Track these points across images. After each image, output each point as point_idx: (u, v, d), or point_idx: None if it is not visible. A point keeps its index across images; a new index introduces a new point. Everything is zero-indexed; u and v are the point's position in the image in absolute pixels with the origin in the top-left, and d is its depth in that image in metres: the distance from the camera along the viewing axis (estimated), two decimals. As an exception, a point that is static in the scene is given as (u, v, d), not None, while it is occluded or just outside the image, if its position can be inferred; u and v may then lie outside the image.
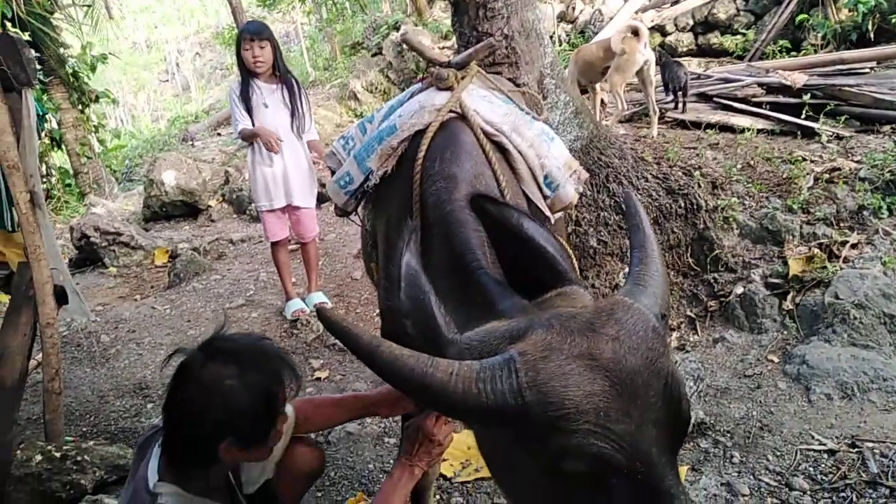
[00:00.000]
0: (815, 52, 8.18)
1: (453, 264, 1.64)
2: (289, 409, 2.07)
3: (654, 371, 1.15)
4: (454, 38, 4.05)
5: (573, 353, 1.14)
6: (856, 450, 2.82)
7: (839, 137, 5.03)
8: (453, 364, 1.16)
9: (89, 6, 9.96)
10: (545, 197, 2.21)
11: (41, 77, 9.01)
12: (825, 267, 3.79)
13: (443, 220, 1.74)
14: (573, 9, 12.55)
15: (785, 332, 3.75)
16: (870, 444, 2.82)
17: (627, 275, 1.40)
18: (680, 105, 6.38)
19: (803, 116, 5.47)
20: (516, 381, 1.12)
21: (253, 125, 4.45)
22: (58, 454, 2.91)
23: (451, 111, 2.07)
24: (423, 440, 1.81)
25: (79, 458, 2.92)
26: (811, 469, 2.79)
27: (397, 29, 13.49)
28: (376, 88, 12.99)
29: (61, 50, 9.71)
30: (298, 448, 2.18)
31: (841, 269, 3.76)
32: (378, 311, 2.79)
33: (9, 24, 7.64)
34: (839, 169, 4.35)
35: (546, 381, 1.11)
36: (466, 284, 1.57)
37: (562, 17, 12.40)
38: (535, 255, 1.53)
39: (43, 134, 9.35)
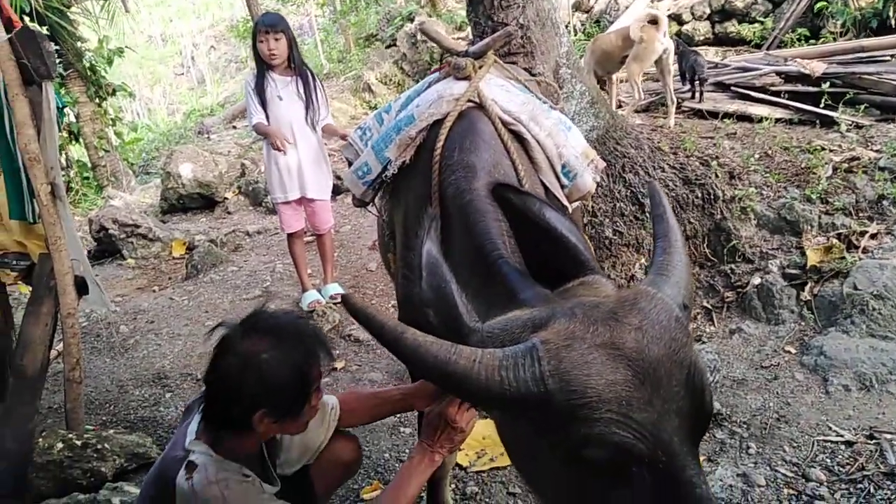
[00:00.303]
0: (835, 39, 8.07)
1: (473, 253, 1.64)
2: (333, 400, 2.19)
3: (676, 361, 1.15)
4: (468, 29, 4.04)
5: (596, 342, 1.14)
6: (874, 441, 2.80)
7: (858, 126, 4.97)
8: (476, 352, 1.17)
9: (106, 0, 10.03)
10: (563, 186, 2.20)
11: (60, 70, 9.09)
12: (844, 257, 3.76)
13: (462, 209, 1.74)
14: (588, -2, 12.46)
15: (802, 323, 3.72)
16: (888, 436, 2.80)
17: (650, 264, 1.39)
18: (697, 94, 6.32)
19: (822, 105, 5.41)
20: (539, 369, 1.13)
21: (267, 118, 4.47)
22: (79, 442, 2.95)
23: (469, 101, 2.07)
24: (444, 427, 1.80)
25: (99, 447, 2.97)
26: (828, 460, 2.77)
27: (411, 20, 13.47)
28: (390, 80, 12.98)
29: (78, 44, 9.80)
30: (338, 439, 2.21)
31: (860, 259, 3.72)
32: (394, 301, 2.80)
33: (27, 18, 7.73)
34: (858, 158, 4.30)
35: (569, 369, 1.12)
36: (486, 273, 1.58)
37: (577, 7, 12.32)
38: (557, 245, 1.53)
39: (62, 127, 9.45)
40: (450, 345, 1.17)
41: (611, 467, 1.12)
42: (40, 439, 2.93)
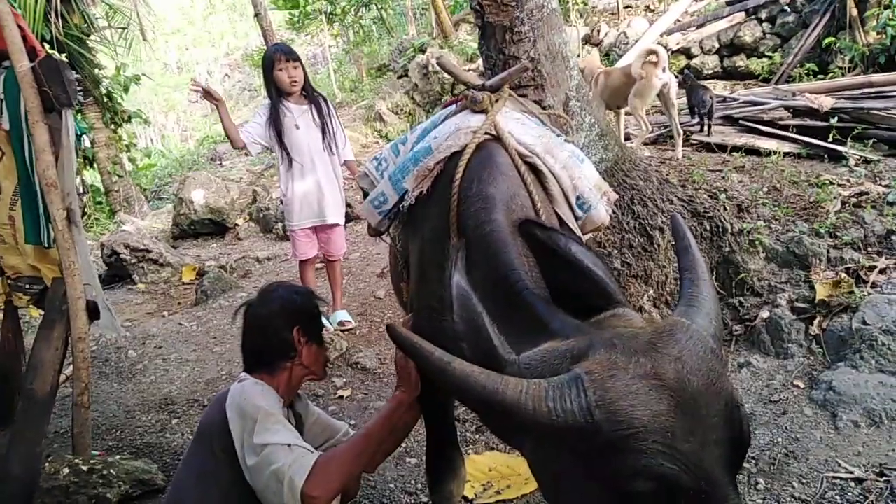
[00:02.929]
0: (843, 75, 8.12)
1: (495, 284, 1.65)
2: (346, 427, 2.45)
3: (715, 391, 1.16)
4: (479, 61, 4.10)
5: (638, 372, 1.15)
6: (884, 478, 2.77)
7: (867, 161, 4.99)
8: (522, 382, 1.17)
9: (124, 28, 10.24)
10: (577, 218, 2.22)
11: (79, 97, 9.25)
12: (852, 292, 3.74)
13: (483, 240, 1.76)
14: (598, 32, 12.63)
15: (811, 358, 3.70)
16: (899, 474, 2.77)
17: (679, 296, 1.40)
18: (706, 128, 6.37)
19: (830, 140, 5.44)
20: (585, 399, 1.13)
21: (285, 148, 4.54)
22: (85, 468, 2.95)
23: (486, 133, 2.10)
24: (400, 371, 2.13)
25: (105, 472, 2.96)
26: (837, 497, 2.74)
27: (423, 51, 13.66)
28: (402, 110, 13.13)
29: (96, 71, 9.99)
30: None
31: (869, 294, 3.71)
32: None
33: (47, 46, 7.90)
34: (867, 193, 4.31)
35: (615, 399, 1.12)
36: (510, 304, 1.58)
37: (587, 40, 12.48)
38: (584, 277, 1.54)
39: (79, 153, 9.59)
40: (497, 375, 1.18)
41: (654, 499, 1.11)
42: (46, 464, 2.93)
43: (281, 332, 2.18)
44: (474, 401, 1.20)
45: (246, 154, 4.68)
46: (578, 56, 8.32)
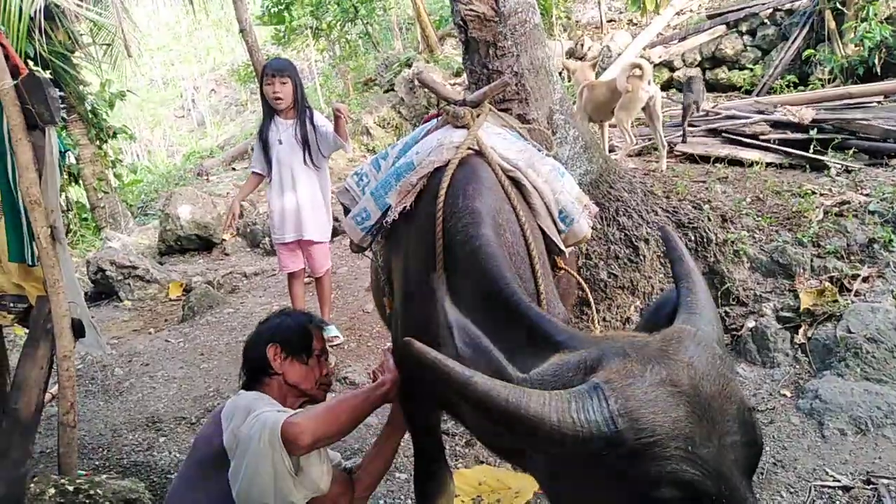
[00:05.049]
0: (823, 86, 8.25)
1: (488, 299, 1.65)
2: (338, 457, 2.51)
3: (727, 396, 1.17)
4: (465, 75, 4.13)
5: (655, 380, 1.15)
6: (871, 486, 2.79)
7: (848, 171, 5.05)
8: (543, 394, 1.16)
9: (109, 45, 10.21)
10: (559, 231, 2.24)
11: (63, 115, 9.21)
12: (836, 300, 3.78)
13: (472, 255, 1.76)
14: (582, 45, 12.74)
15: (797, 367, 3.73)
16: (885, 481, 2.79)
17: (678, 305, 1.40)
18: (693, 113, 6.58)
19: (811, 150, 5.51)
20: (608, 408, 1.12)
21: (270, 164, 4.58)
22: (71, 487, 2.90)
23: (469, 148, 2.11)
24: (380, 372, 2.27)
25: (91, 492, 2.92)
26: (826, 506, 2.76)
27: (409, 66, 13.72)
28: (388, 124, 13.17)
29: (81, 87, 9.93)
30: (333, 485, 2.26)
31: (852, 302, 3.75)
32: (389, 344, 2.82)
33: (31, 63, 7.87)
34: (849, 202, 4.37)
35: (637, 407, 1.12)
36: (505, 318, 1.58)
37: (570, 54, 12.58)
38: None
39: (63, 169, 9.52)
40: (520, 389, 1.17)
41: None
42: (32, 484, 2.88)
43: (259, 349, 2.34)
44: (499, 416, 1.17)
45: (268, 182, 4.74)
46: (560, 73, 8.45)
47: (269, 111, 4.59)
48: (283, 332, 2.38)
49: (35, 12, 7.93)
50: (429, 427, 2.38)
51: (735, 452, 1.14)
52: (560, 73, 10.85)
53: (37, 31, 8.09)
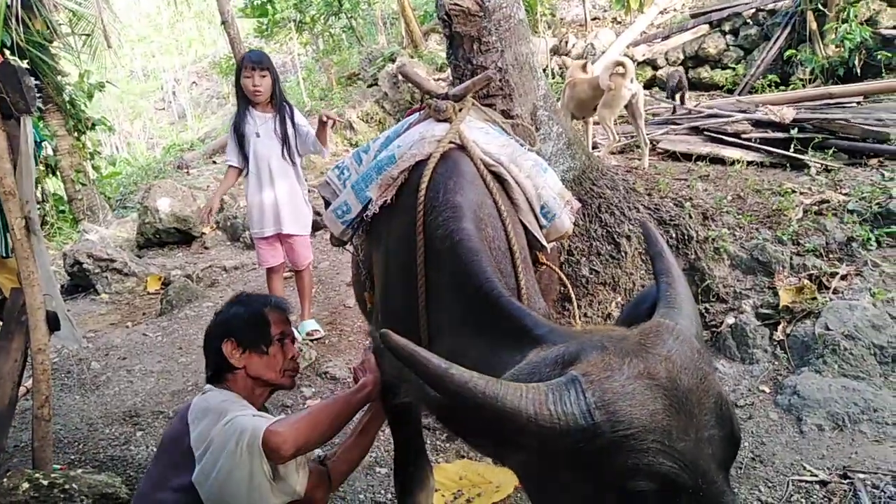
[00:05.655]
0: (804, 86, 8.34)
1: (468, 293, 1.64)
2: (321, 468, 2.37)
3: (704, 389, 1.17)
4: (449, 70, 4.11)
5: (633, 373, 1.15)
6: (847, 481, 2.82)
7: (827, 170, 5.10)
8: (521, 386, 1.16)
9: (88, 35, 10.06)
10: (541, 226, 2.22)
11: (39, 104, 9.07)
12: (815, 298, 3.82)
13: (453, 249, 1.75)
14: (566, 42, 12.78)
15: (776, 363, 3.76)
16: (861, 476, 2.82)
17: (658, 299, 1.40)
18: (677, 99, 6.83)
19: (792, 149, 5.56)
20: (584, 401, 1.13)
21: (246, 157, 4.53)
22: (45, 482, 2.86)
23: (451, 142, 2.10)
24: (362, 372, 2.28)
25: (66, 487, 2.88)
26: (803, 500, 2.78)
27: (393, 60, 13.68)
28: (371, 118, 13.13)
29: (59, 77, 9.78)
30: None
31: (830, 300, 3.79)
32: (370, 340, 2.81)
33: (7, 52, 7.72)
34: (828, 201, 4.41)
35: (613, 400, 1.12)
36: (485, 311, 1.58)
37: (555, 51, 12.61)
38: None
39: (39, 160, 9.37)
40: (496, 380, 1.16)
41: (653, 498, 1.11)
42: (5, 479, 2.84)
43: (215, 345, 2.28)
44: (476, 408, 1.17)
45: (245, 175, 4.67)
46: (544, 70, 8.49)
47: (246, 103, 4.52)
48: (237, 325, 2.30)
49: (11, 0, 7.80)
50: (410, 422, 2.37)
51: (712, 446, 1.15)
52: (560, 71, 10.90)
53: (13, 20, 7.96)
